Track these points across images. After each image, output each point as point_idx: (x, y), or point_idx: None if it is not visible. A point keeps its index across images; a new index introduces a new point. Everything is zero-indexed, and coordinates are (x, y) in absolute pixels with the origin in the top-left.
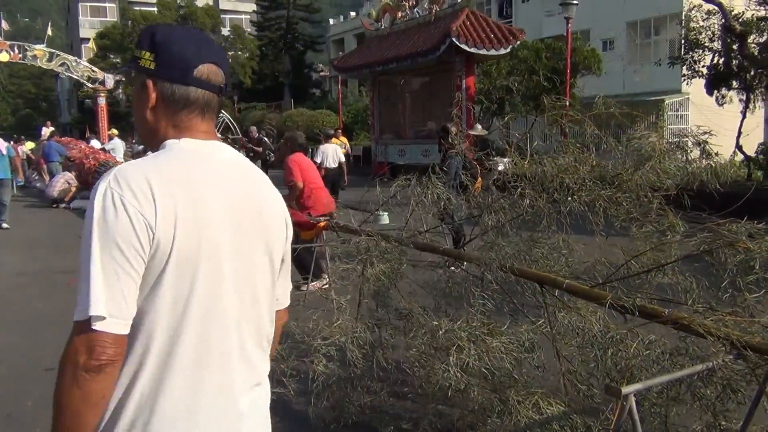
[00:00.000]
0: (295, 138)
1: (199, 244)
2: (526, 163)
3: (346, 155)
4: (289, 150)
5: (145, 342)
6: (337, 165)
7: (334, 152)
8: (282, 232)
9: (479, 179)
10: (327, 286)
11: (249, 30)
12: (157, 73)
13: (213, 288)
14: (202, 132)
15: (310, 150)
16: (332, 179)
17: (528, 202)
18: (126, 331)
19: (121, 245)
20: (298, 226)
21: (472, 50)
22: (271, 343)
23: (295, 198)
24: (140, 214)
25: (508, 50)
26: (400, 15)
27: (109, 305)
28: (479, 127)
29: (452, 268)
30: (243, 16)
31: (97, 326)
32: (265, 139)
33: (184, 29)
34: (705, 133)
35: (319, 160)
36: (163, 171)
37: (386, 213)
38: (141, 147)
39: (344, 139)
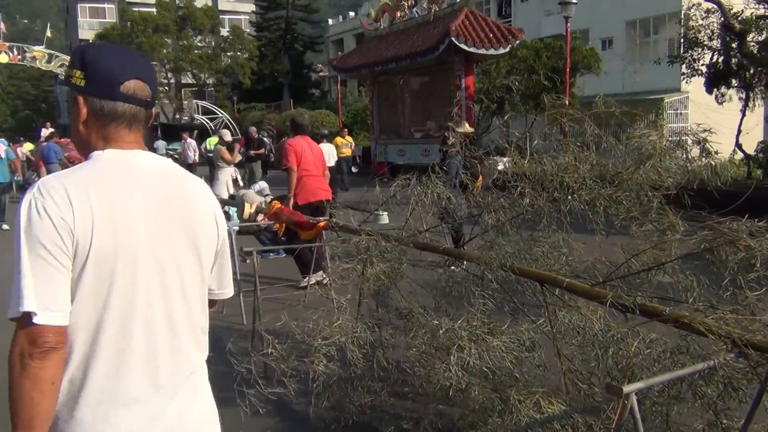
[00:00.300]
0: (293, 119)
1: (115, 245)
2: (525, 162)
3: (352, 155)
4: (291, 133)
5: (72, 333)
6: (332, 164)
7: (328, 152)
8: (211, 230)
9: (480, 178)
10: (325, 280)
11: (248, 30)
12: (87, 90)
13: (132, 284)
14: (128, 143)
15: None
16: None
17: (528, 201)
18: (64, 322)
19: (47, 245)
20: (298, 226)
21: (472, 50)
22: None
23: (293, 182)
24: (61, 219)
25: (507, 50)
26: (399, 15)
27: (43, 299)
28: (466, 125)
29: (452, 267)
30: (242, 17)
31: (36, 320)
32: (265, 139)
33: (113, 48)
34: (705, 131)
35: None
36: (82, 180)
37: (386, 213)
38: None
39: (350, 138)
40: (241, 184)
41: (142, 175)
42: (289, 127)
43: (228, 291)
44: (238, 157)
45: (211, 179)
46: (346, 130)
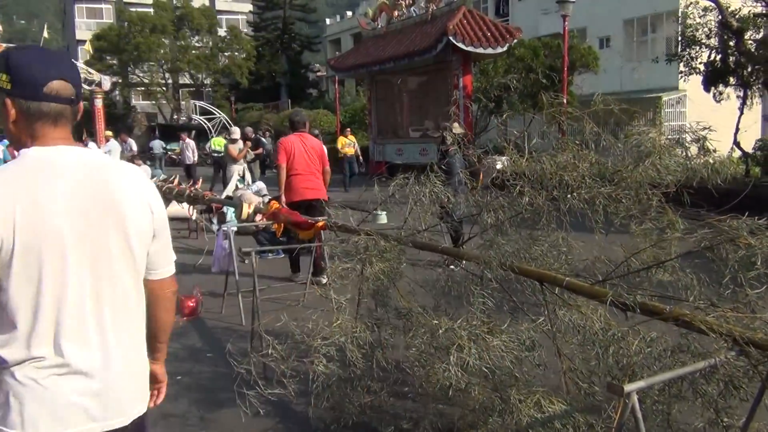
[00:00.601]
0: (289, 116)
1: (40, 236)
2: (524, 161)
3: (355, 154)
4: (290, 130)
5: (15, 312)
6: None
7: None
8: (142, 216)
9: (480, 177)
10: (324, 280)
11: (245, 30)
12: (13, 92)
13: (62, 270)
14: (54, 139)
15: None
16: None
17: (527, 199)
18: None
19: None
20: (296, 226)
21: (469, 49)
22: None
23: (281, 180)
24: None
25: (505, 48)
26: (396, 14)
27: None
28: (456, 125)
29: (452, 267)
30: (239, 17)
31: None
32: (263, 139)
33: (36, 51)
34: (705, 128)
35: None
36: (5, 178)
37: (384, 212)
38: (135, 149)
39: (353, 138)
40: (250, 180)
41: (66, 169)
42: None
43: (169, 269)
44: (242, 156)
45: (214, 179)
46: (348, 129)
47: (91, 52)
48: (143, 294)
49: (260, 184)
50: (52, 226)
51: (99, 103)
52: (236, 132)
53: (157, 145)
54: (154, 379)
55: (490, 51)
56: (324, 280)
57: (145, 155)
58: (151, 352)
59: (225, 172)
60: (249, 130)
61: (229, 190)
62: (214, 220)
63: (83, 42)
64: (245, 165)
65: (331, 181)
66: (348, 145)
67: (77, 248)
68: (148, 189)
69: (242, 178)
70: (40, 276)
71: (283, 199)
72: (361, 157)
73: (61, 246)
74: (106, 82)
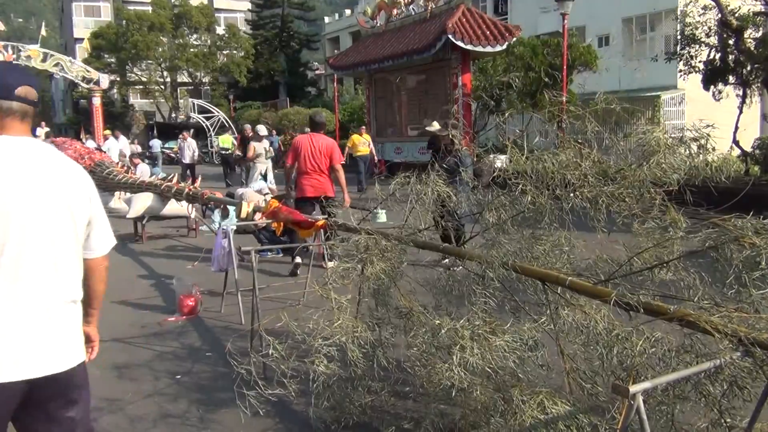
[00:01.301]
0: (311, 117)
1: None
2: (524, 159)
3: (370, 153)
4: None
5: None
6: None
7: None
8: (81, 199)
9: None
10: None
11: (244, 29)
12: None
13: (18, 241)
14: (18, 131)
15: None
16: None
17: (529, 198)
18: None
19: None
20: (296, 225)
21: (468, 47)
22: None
23: (288, 178)
24: None
25: (504, 47)
26: (395, 12)
27: None
28: (435, 123)
29: (456, 268)
30: (238, 15)
31: None
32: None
33: (6, 64)
34: (707, 126)
35: None
36: None
37: (384, 211)
38: (127, 152)
39: (367, 137)
40: (271, 178)
41: (24, 156)
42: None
43: (103, 249)
44: (252, 156)
45: (225, 176)
46: (363, 128)
47: (89, 50)
48: (77, 266)
49: (262, 183)
50: (7, 202)
51: (97, 101)
52: (262, 129)
53: (156, 144)
54: (88, 339)
55: (489, 49)
56: (331, 263)
57: (142, 154)
58: (85, 316)
59: (232, 169)
60: (247, 127)
61: (255, 187)
62: (214, 218)
63: (81, 40)
64: (269, 163)
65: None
66: (362, 143)
67: (32, 223)
68: (89, 182)
69: (264, 176)
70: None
71: (293, 194)
72: (375, 157)
73: (15, 220)
74: (104, 80)
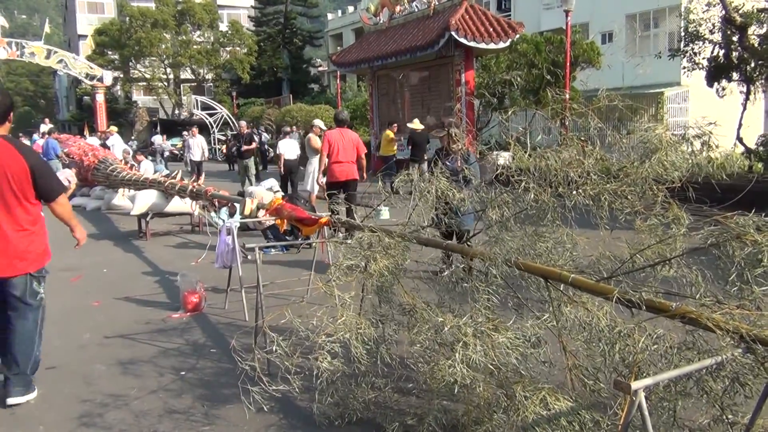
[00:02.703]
0: (335, 114)
1: None
2: (527, 156)
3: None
4: (334, 124)
5: None
6: (294, 157)
7: (293, 146)
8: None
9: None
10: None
11: (247, 25)
12: None
13: None
14: None
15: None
16: (289, 168)
17: (532, 196)
18: None
19: None
20: (299, 222)
21: (471, 44)
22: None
23: (323, 165)
24: None
25: (508, 44)
26: (398, 9)
27: None
28: (417, 121)
29: (441, 273)
30: (241, 11)
31: None
32: (255, 137)
33: None
34: (710, 123)
35: (280, 152)
36: None
37: (387, 208)
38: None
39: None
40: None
41: None
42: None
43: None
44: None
45: (243, 174)
46: (395, 125)
47: (93, 46)
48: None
49: (272, 181)
50: None
51: (100, 98)
52: (320, 123)
53: (158, 139)
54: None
55: (492, 46)
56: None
57: (146, 150)
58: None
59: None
60: (243, 124)
61: (310, 186)
62: (221, 215)
63: (84, 37)
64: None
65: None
66: (395, 140)
67: None
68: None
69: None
70: None
71: (322, 179)
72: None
73: None
74: (108, 77)
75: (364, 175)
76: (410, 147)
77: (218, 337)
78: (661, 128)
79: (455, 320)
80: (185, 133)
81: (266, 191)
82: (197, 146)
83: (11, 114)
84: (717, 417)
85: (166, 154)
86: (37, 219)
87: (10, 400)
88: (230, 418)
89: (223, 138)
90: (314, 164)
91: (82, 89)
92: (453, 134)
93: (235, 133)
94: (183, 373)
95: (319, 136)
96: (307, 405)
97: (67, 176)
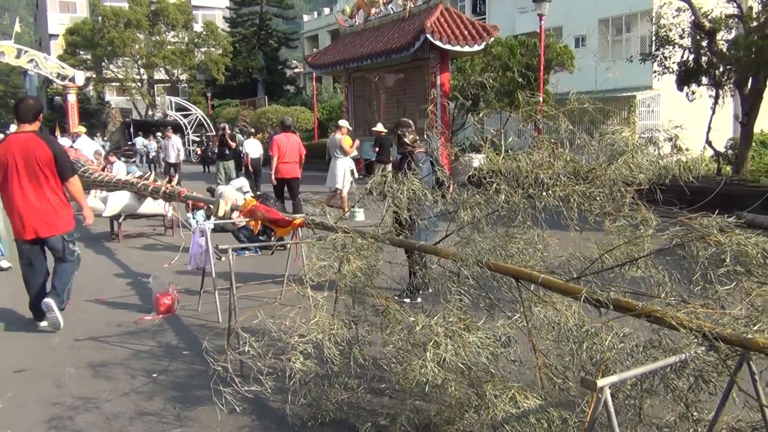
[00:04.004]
0: (281, 120)
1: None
2: (500, 159)
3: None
4: (279, 129)
5: None
6: (258, 156)
7: (257, 146)
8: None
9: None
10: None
11: (222, 26)
12: None
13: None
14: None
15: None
16: (255, 168)
17: (503, 197)
18: None
19: None
20: (273, 223)
21: (447, 47)
22: None
23: (274, 165)
24: None
25: (482, 47)
26: (374, 11)
27: None
28: (381, 125)
29: (406, 300)
30: (216, 12)
31: None
32: (240, 136)
33: None
34: (676, 127)
35: (246, 151)
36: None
37: (361, 210)
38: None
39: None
40: (356, 175)
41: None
42: (279, 125)
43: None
44: (354, 152)
45: (225, 176)
46: (344, 128)
47: (64, 46)
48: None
49: (242, 181)
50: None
51: (72, 98)
52: (345, 123)
53: (139, 142)
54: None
55: (467, 49)
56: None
57: (119, 152)
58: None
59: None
60: (225, 126)
61: (340, 185)
62: (194, 216)
63: (56, 36)
64: (351, 161)
65: None
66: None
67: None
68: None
69: (352, 171)
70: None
71: (273, 177)
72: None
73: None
74: (80, 77)
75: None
76: (377, 149)
77: (191, 339)
78: (628, 131)
79: (427, 320)
80: (159, 134)
81: (236, 192)
82: (172, 148)
83: (41, 115)
84: (682, 414)
85: (152, 155)
86: (62, 194)
87: (47, 300)
88: (202, 420)
89: (198, 139)
90: (344, 163)
91: (54, 89)
92: (401, 135)
93: (214, 134)
94: (155, 375)
95: (345, 135)
96: (280, 406)
97: None
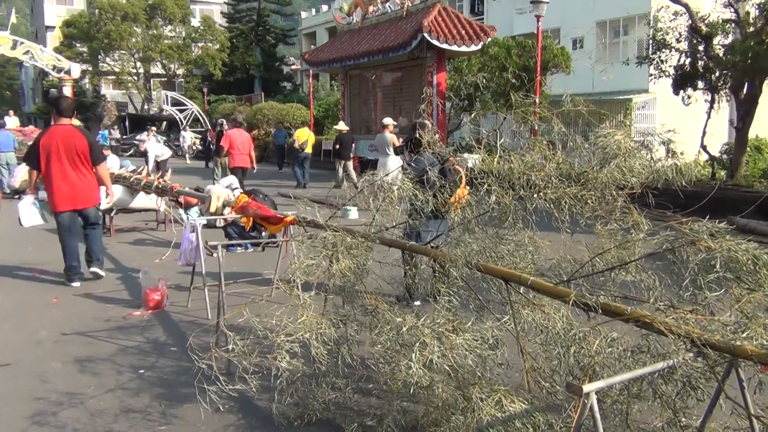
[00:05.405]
0: (234, 117)
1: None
2: (495, 160)
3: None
4: (230, 125)
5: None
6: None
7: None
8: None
9: (462, 186)
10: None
11: (219, 21)
12: None
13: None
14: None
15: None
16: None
17: (494, 198)
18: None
19: None
20: (264, 220)
21: (444, 46)
22: None
23: (222, 154)
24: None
25: (479, 47)
26: (371, 9)
27: None
28: (342, 123)
29: (417, 302)
30: (213, 7)
31: None
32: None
33: None
34: (669, 131)
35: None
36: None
37: (355, 207)
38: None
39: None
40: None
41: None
42: (231, 123)
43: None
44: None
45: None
46: (306, 127)
47: (61, 38)
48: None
49: (231, 178)
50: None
51: (68, 91)
52: (390, 120)
53: (154, 141)
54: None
55: (464, 49)
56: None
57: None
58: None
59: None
60: (223, 122)
61: (224, 183)
62: (191, 214)
63: (52, 28)
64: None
65: None
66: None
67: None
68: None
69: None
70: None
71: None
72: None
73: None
74: (76, 69)
75: (254, 165)
76: (338, 146)
77: (179, 336)
78: (620, 134)
79: (414, 321)
80: (153, 128)
81: (224, 189)
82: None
83: (75, 111)
84: (670, 420)
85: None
86: (93, 175)
87: (93, 268)
88: (188, 418)
89: (200, 136)
90: (396, 160)
91: (49, 82)
92: (419, 136)
93: (210, 129)
94: (142, 371)
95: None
96: (267, 405)
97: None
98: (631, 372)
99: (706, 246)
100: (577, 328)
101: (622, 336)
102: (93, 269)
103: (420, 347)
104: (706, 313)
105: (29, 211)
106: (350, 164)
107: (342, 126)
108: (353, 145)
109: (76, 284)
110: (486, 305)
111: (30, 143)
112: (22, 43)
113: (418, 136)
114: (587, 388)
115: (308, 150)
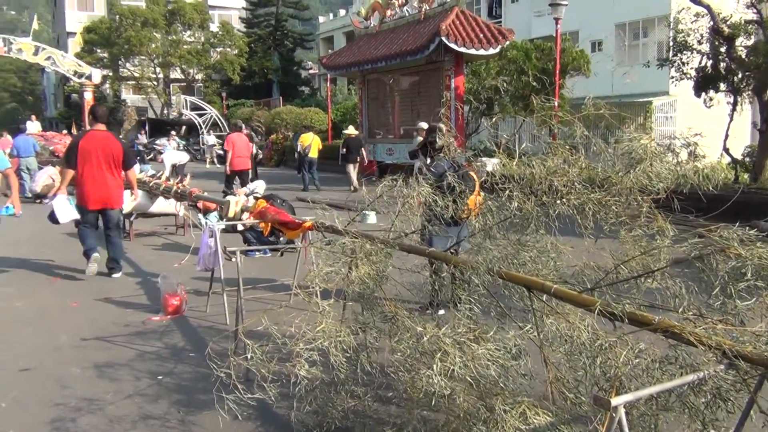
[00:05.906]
0: (234, 123)
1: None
2: (514, 164)
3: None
4: (232, 129)
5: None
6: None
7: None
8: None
9: (477, 191)
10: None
11: (238, 27)
12: None
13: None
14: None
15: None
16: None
17: (516, 204)
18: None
19: None
20: (283, 225)
21: (462, 50)
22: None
23: (228, 159)
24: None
25: (498, 50)
26: (389, 13)
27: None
28: (352, 128)
29: (441, 311)
30: (232, 12)
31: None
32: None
33: None
34: (696, 134)
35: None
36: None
37: (373, 212)
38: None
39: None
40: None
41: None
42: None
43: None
44: None
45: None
46: (310, 132)
47: (82, 44)
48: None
49: (258, 183)
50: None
51: (89, 96)
52: (424, 125)
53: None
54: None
55: (482, 52)
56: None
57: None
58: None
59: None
60: (241, 125)
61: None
62: (210, 219)
63: (73, 34)
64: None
65: None
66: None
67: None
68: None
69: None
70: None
71: (228, 169)
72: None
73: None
74: (97, 75)
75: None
76: (345, 150)
77: (198, 341)
78: (646, 138)
79: (435, 329)
80: (173, 133)
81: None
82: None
83: (108, 117)
84: None
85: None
86: (122, 179)
87: (116, 275)
88: (206, 425)
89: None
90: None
91: (71, 87)
92: (432, 140)
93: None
94: (160, 377)
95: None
96: (285, 413)
97: (51, 174)
98: (661, 385)
99: (737, 253)
100: (602, 338)
101: (649, 346)
102: (115, 276)
103: (441, 357)
104: (736, 322)
105: (65, 207)
106: (351, 166)
107: (351, 130)
108: (362, 149)
109: (117, 275)
110: (507, 313)
111: (66, 146)
112: (44, 49)
113: (433, 139)
114: (615, 401)
115: (313, 154)
